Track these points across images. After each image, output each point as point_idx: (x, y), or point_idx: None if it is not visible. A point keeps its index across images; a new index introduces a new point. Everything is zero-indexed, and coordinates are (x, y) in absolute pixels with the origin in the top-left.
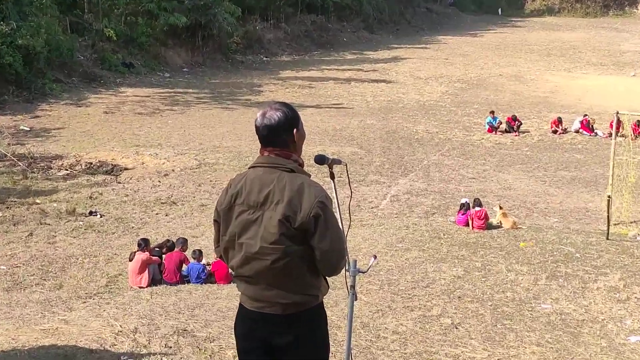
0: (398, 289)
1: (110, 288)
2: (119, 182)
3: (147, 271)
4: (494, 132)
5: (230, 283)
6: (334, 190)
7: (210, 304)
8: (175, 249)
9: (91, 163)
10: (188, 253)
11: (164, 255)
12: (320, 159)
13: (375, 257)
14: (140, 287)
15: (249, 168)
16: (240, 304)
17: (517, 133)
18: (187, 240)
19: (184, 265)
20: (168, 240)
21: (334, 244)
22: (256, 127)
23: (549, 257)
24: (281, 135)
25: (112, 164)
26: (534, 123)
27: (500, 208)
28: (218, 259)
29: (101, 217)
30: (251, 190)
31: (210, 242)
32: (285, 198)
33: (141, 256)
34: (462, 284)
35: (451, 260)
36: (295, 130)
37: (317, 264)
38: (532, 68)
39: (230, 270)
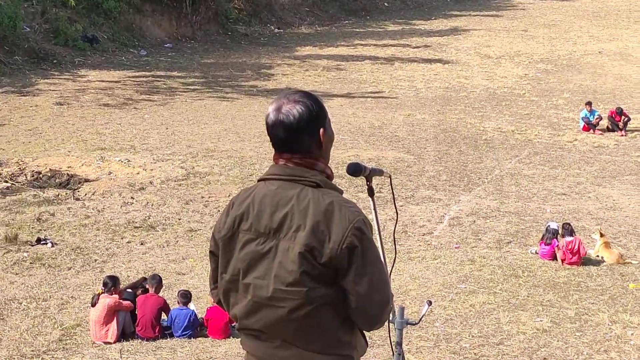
0: (460, 347)
1: (65, 344)
2: (77, 199)
3: (115, 321)
4: (591, 131)
5: (229, 337)
6: (373, 211)
7: None
8: (150, 291)
9: (39, 173)
10: (168, 296)
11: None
12: (355, 169)
13: (430, 302)
14: (106, 343)
15: (258, 181)
16: None
17: (623, 132)
18: (161, 278)
19: (163, 314)
20: (144, 279)
21: (376, 286)
22: (268, 125)
23: None
24: (303, 138)
25: (67, 174)
26: None
27: (602, 235)
28: (214, 304)
29: (53, 246)
30: (261, 212)
31: (202, 281)
32: (308, 223)
33: (108, 300)
34: (549, 341)
35: (533, 308)
36: (322, 129)
37: (351, 314)
38: None
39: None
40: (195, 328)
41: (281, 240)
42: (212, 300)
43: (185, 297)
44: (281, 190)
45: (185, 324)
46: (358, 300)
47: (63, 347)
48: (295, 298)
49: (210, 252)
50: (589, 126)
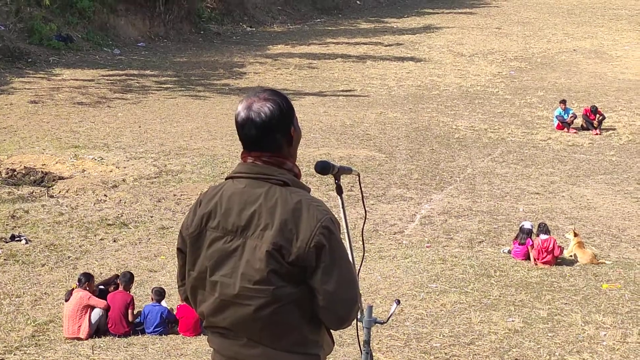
0: (430, 347)
1: (38, 340)
2: (51, 196)
3: (87, 317)
4: (565, 130)
5: (200, 335)
6: (341, 209)
7: None
8: (119, 288)
9: (14, 170)
10: (140, 293)
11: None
12: (323, 167)
13: (398, 301)
14: (78, 339)
15: (225, 179)
16: None
17: (598, 131)
18: (132, 276)
19: (129, 311)
20: (117, 276)
21: (344, 285)
22: (238, 123)
23: None
24: (275, 135)
25: (42, 172)
26: (622, 117)
27: (575, 235)
28: (183, 302)
29: (27, 243)
30: (229, 210)
31: (173, 279)
32: (275, 221)
33: (80, 294)
34: (521, 341)
35: (505, 308)
36: (292, 127)
37: (318, 313)
38: (619, 41)
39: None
40: (167, 325)
41: (248, 239)
42: (180, 298)
43: (160, 294)
44: (249, 188)
45: (157, 321)
46: (325, 299)
47: (36, 343)
48: (261, 296)
49: (177, 249)
50: (563, 124)
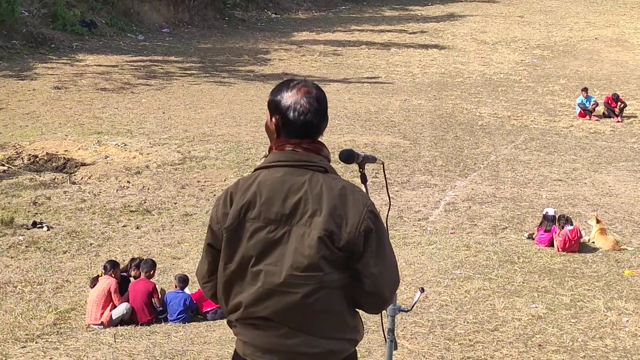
0: (455, 333)
1: (60, 327)
2: (74, 183)
3: (111, 305)
4: (587, 117)
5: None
6: None
7: (196, 352)
8: (141, 276)
9: (36, 156)
10: (163, 280)
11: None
12: (348, 156)
13: (422, 289)
14: (101, 325)
15: (256, 169)
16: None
17: (619, 118)
18: (154, 263)
19: (153, 298)
20: (133, 259)
21: (389, 267)
22: (296, 112)
23: None
24: (322, 124)
25: (64, 158)
26: None
27: (598, 222)
28: (209, 299)
29: (48, 229)
30: (271, 199)
31: (197, 265)
32: (324, 208)
33: (109, 282)
34: (544, 327)
35: (529, 294)
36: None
37: (360, 297)
38: None
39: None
40: (190, 312)
41: (294, 226)
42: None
43: (184, 281)
44: (289, 176)
45: (181, 308)
46: (372, 282)
47: (57, 331)
48: (310, 283)
49: (208, 244)
50: (585, 112)
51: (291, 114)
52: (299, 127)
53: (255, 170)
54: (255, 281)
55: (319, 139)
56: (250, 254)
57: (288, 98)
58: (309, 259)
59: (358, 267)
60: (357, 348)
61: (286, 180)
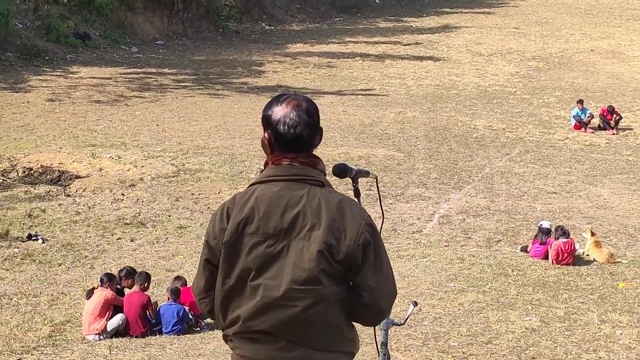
0: (448, 346)
1: (55, 340)
2: (68, 195)
3: (107, 315)
4: (582, 129)
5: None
6: None
7: None
8: (134, 288)
9: (31, 169)
10: (157, 292)
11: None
12: (341, 171)
13: (415, 303)
14: (96, 335)
15: (252, 184)
16: None
17: (614, 131)
18: (148, 275)
19: (147, 311)
20: (121, 270)
21: (386, 279)
22: (286, 125)
23: None
24: (315, 136)
25: (59, 171)
26: (639, 117)
27: (592, 235)
28: (206, 315)
29: (43, 242)
30: (269, 214)
31: (191, 278)
32: (323, 221)
33: (105, 293)
34: (538, 340)
35: (522, 307)
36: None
37: (356, 310)
38: (636, 41)
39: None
40: (185, 323)
41: (293, 240)
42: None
43: (176, 293)
44: (287, 190)
45: (174, 320)
46: (370, 294)
47: (53, 343)
48: (309, 296)
49: (205, 260)
50: (581, 124)
51: (281, 127)
52: (290, 140)
53: (251, 185)
54: (254, 295)
55: (314, 152)
56: (249, 268)
57: (278, 112)
58: (308, 273)
59: (356, 280)
60: None
61: (284, 194)
